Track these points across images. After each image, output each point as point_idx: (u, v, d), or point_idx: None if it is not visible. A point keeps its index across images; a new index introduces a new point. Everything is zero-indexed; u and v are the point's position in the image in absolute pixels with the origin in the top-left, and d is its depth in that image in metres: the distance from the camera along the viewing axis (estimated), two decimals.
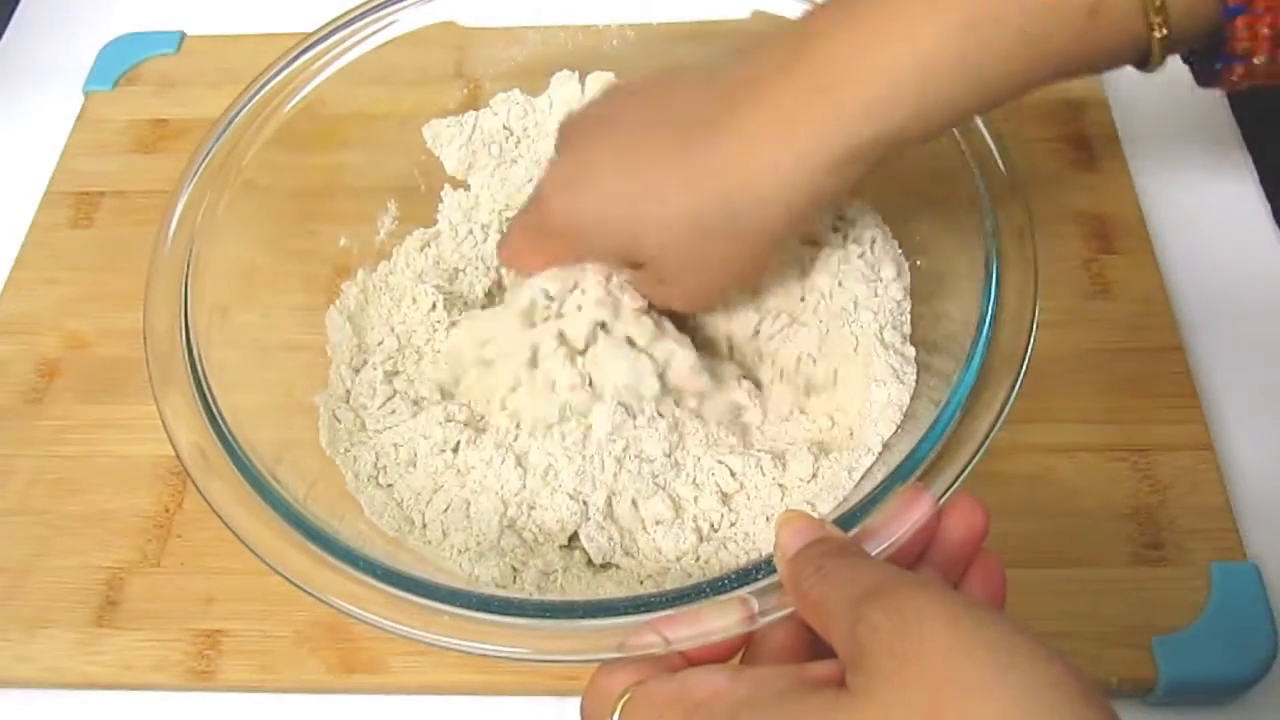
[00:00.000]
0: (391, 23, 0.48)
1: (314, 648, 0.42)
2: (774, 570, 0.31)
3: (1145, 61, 0.34)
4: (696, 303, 0.43)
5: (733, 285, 0.43)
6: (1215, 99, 0.56)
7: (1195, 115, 0.56)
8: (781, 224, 0.37)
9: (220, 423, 0.37)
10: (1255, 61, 0.32)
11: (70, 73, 0.61)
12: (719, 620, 0.30)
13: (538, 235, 0.42)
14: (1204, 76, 0.35)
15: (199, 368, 0.38)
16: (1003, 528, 0.34)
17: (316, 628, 0.42)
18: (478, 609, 0.32)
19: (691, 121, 0.37)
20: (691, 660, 0.30)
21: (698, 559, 0.39)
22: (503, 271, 0.49)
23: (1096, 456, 0.44)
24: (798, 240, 0.45)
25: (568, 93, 0.52)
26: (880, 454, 0.40)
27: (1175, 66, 0.35)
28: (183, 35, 0.62)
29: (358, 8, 0.48)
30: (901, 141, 0.35)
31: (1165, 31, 0.33)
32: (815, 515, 0.34)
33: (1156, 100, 0.55)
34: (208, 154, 0.44)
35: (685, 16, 0.52)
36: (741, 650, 0.31)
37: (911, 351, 0.42)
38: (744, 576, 0.32)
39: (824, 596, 0.27)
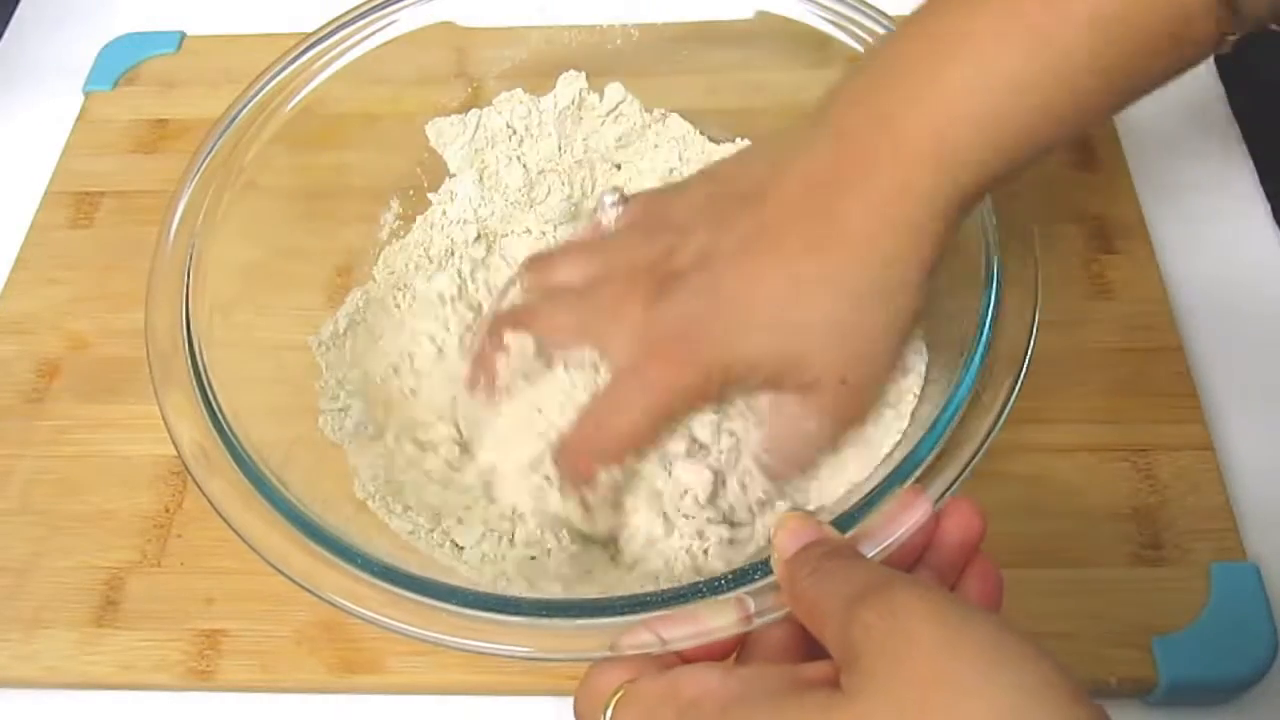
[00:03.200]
0: (392, 22, 0.48)
1: (314, 648, 0.42)
2: (770, 571, 0.31)
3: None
4: (882, 387, 0.40)
5: (900, 350, 0.39)
6: (1215, 98, 0.56)
7: (1195, 115, 0.56)
8: (924, 272, 0.36)
9: (221, 421, 0.37)
10: None
11: (70, 73, 0.61)
12: (715, 620, 0.30)
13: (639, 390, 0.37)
14: None
15: (200, 366, 0.38)
16: (1002, 528, 0.34)
17: (316, 628, 0.42)
18: (476, 607, 0.32)
19: (803, 230, 0.37)
20: (687, 660, 0.30)
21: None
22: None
23: (1096, 456, 0.44)
24: None
25: (573, 92, 0.52)
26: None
27: None
28: (183, 35, 0.62)
29: (358, 7, 0.48)
30: (1002, 181, 0.36)
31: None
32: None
33: (1156, 100, 0.55)
34: (209, 154, 0.44)
35: (689, 16, 0.52)
36: (736, 650, 0.31)
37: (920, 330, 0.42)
38: (741, 577, 0.32)
39: (818, 597, 0.28)
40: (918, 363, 0.41)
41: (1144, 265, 0.50)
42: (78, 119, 0.59)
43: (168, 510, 0.45)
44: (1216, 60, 0.57)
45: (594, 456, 0.37)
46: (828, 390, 0.37)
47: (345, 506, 0.41)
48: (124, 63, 0.61)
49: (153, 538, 0.45)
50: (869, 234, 0.36)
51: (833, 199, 0.36)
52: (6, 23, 0.65)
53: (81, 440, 0.48)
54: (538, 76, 0.53)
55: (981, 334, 0.36)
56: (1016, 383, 0.35)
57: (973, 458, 0.33)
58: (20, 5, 0.66)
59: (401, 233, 0.50)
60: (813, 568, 0.28)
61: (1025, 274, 0.37)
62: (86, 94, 0.60)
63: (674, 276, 0.38)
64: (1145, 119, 0.55)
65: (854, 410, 0.39)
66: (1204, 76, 0.57)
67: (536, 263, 0.43)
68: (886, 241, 0.36)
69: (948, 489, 0.33)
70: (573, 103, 0.52)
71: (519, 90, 0.52)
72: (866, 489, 0.34)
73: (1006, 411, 0.34)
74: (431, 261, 0.49)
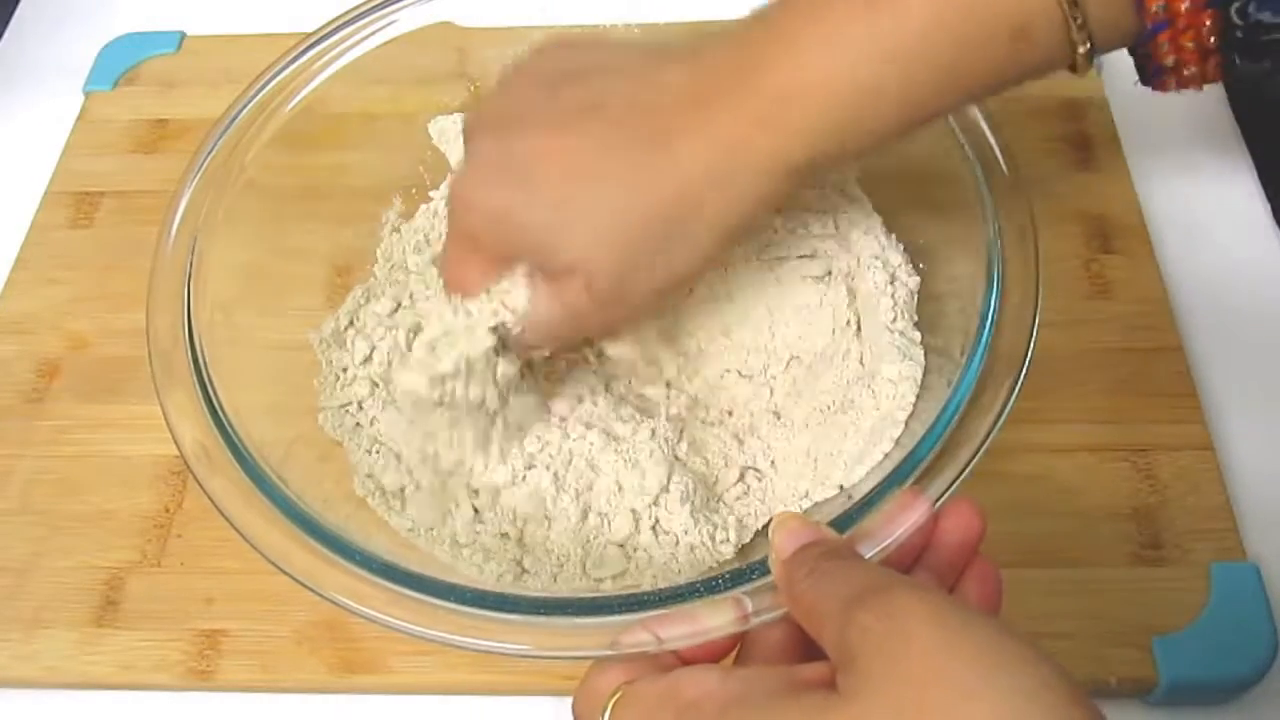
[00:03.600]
0: (392, 22, 0.48)
1: (314, 647, 0.42)
2: (768, 571, 0.31)
3: (1073, 70, 0.34)
4: (634, 315, 0.40)
5: (662, 295, 0.38)
6: (1216, 98, 0.56)
7: (1195, 115, 0.56)
8: (727, 229, 0.36)
9: (223, 420, 0.37)
10: (1186, 73, 0.33)
11: (70, 73, 0.61)
12: (713, 620, 0.30)
13: (463, 246, 0.39)
14: (1144, 76, 0.35)
15: (202, 366, 0.38)
16: (1002, 528, 0.34)
17: (316, 627, 0.42)
18: (475, 605, 0.32)
19: (631, 123, 0.36)
20: (685, 659, 0.30)
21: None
22: None
23: (1096, 456, 0.44)
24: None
25: None
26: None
27: None
28: (183, 35, 0.62)
29: (358, 7, 0.48)
30: (832, 161, 0.35)
31: (1088, 47, 0.33)
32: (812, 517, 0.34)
33: (1156, 100, 0.55)
34: (209, 153, 0.44)
35: (688, 16, 0.52)
36: (734, 650, 0.31)
37: (918, 335, 0.42)
38: (738, 577, 0.32)
39: (816, 598, 0.28)
40: (913, 369, 0.41)
41: (1144, 265, 0.50)
42: (78, 119, 0.59)
43: (168, 510, 0.45)
44: None
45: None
46: (571, 289, 0.37)
47: (345, 504, 0.41)
48: (124, 63, 0.61)
49: (153, 538, 0.45)
50: (688, 155, 0.35)
51: (673, 114, 0.36)
52: (6, 23, 0.65)
53: (81, 440, 0.48)
54: None
55: (982, 334, 0.36)
56: (1016, 383, 0.35)
57: (972, 458, 0.34)
58: (20, 5, 0.66)
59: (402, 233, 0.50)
60: (810, 568, 0.28)
61: (1026, 274, 0.37)
62: (86, 94, 0.60)
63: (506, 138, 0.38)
64: (1145, 120, 0.55)
65: (586, 319, 0.38)
66: None
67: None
68: (698, 171, 0.35)
69: (947, 489, 0.33)
70: None
71: None
72: (865, 490, 0.34)
73: (1006, 412, 0.34)
74: (430, 246, 0.49)
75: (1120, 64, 0.37)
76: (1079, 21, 0.32)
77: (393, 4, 0.49)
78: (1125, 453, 0.44)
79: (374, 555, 0.34)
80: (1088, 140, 0.54)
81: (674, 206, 0.35)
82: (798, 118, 0.34)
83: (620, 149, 0.36)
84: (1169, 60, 0.32)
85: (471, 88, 0.52)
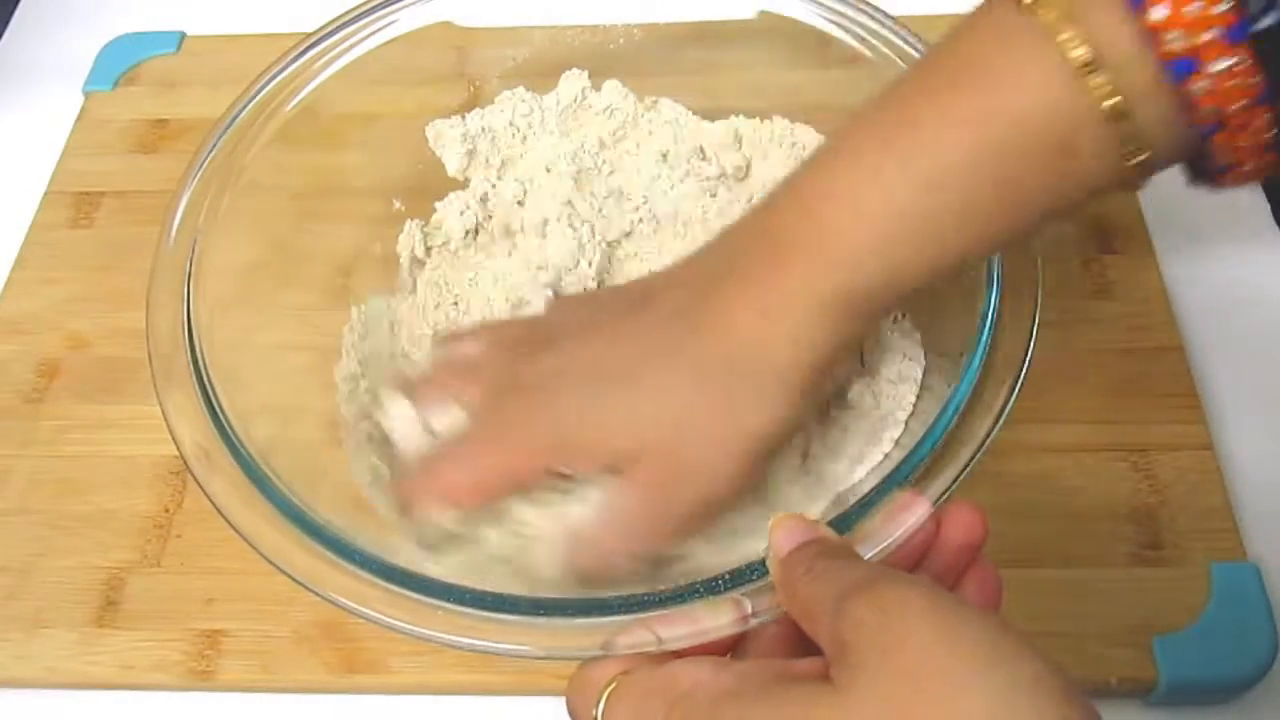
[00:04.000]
0: (392, 22, 0.48)
1: (314, 647, 0.42)
2: (767, 572, 0.31)
3: (1133, 186, 0.32)
4: (718, 505, 0.36)
5: (758, 468, 0.36)
6: None
7: None
8: (804, 386, 0.35)
9: (223, 421, 0.37)
10: (1244, 169, 0.31)
11: (70, 73, 0.61)
12: (712, 620, 0.30)
13: (489, 446, 0.37)
14: (1197, 175, 0.33)
15: (202, 366, 0.38)
16: (1002, 528, 0.34)
17: (316, 628, 0.42)
18: (475, 606, 0.32)
19: (684, 310, 0.36)
20: (681, 658, 0.30)
21: None
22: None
23: (1096, 457, 0.44)
24: None
25: (576, 91, 0.52)
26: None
27: None
28: (183, 35, 0.62)
29: (358, 7, 0.48)
30: (893, 299, 0.34)
31: (1144, 158, 0.30)
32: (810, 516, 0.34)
33: None
34: (210, 153, 0.44)
35: (690, 16, 0.51)
36: (730, 649, 0.31)
37: (918, 335, 0.42)
38: (738, 577, 0.32)
39: (812, 595, 0.27)
40: (913, 369, 0.41)
41: (1144, 265, 0.50)
42: (78, 119, 0.59)
43: (168, 510, 0.45)
44: None
45: (424, 496, 0.37)
46: (644, 488, 0.35)
47: (346, 504, 0.41)
48: (124, 63, 0.61)
49: (153, 538, 0.45)
50: (753, 335, 0.34)
51: (719, 286, 0.35)
52: (6, 23, 0.65)
53: (81, 440, 0.48)
54: (540, 77, 0.53)
55: (983, 334, 0.36)
56: (1017, 383, 0.35)
57: (973, 458, 0.33)
58: (20, 5, 0.66)
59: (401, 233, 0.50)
60: (807, 567, 0.28)
61: (1026, 274, 0.37)
62: (86, 94, 0.60)
63: (534, 358, 0.38)
64: None
65: (667, 523, 0.35)
66: None
67: (450, 337, 0.45)
68: (761, 331, 0.34)
69: (947, 489, 0.33)
70: (575, 100, 0.52)
71: (520, 89, 0.52)
72: (864, 490, 0.34)
73: (1006, 412, 0.34)
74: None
75: None
76: (1130, 131, 0.30)
77: (393, 4, 0.49)
78: (1125, 453, 0.44)
79: (373, 555, 0.34)
80: None
81: (730, 359, 0.34)
82: (844, 246, 0.33)
83: (661, 331, 0.36)
84: (1226, 160, 0.30)
85: (471, 88, 0.52)
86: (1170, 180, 0.52)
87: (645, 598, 0.32)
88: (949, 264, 0.33)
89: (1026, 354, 0.35)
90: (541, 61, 0.52)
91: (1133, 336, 0.47)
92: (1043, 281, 0.37)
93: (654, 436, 0.35)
